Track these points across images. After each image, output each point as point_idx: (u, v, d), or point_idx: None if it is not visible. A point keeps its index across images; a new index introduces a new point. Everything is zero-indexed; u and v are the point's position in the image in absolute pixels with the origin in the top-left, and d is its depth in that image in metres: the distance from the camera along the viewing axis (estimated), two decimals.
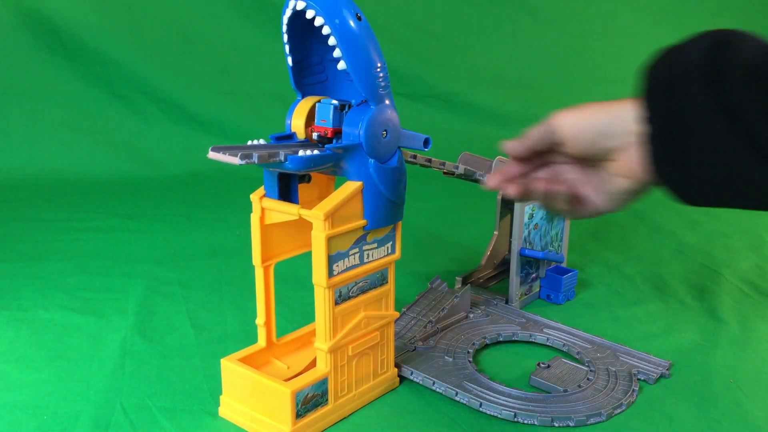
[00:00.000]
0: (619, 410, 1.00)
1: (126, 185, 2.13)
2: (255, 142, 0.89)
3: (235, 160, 0.80)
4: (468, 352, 1.13)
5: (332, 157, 0.88)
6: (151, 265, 1.52)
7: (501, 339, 1.20)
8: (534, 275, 1.37)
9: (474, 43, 2.54)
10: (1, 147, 2.19)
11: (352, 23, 0.84)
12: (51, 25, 2.20)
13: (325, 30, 0.83)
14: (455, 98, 2.48)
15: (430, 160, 1.16)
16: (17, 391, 1.04)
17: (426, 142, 0.94)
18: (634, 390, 1.04)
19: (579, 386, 1.05)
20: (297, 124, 0.94)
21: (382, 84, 0.89)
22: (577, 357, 1.15)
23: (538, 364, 1.11)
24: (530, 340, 1.21)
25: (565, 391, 1.04)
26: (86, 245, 1.64)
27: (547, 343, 1.20)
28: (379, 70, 0.88)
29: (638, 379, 1.08)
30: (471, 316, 1.25)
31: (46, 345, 1.17)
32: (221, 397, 1.00)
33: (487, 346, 1.19)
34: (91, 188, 2.09)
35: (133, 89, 2.28)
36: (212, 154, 0.83)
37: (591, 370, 1.09)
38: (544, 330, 1.22)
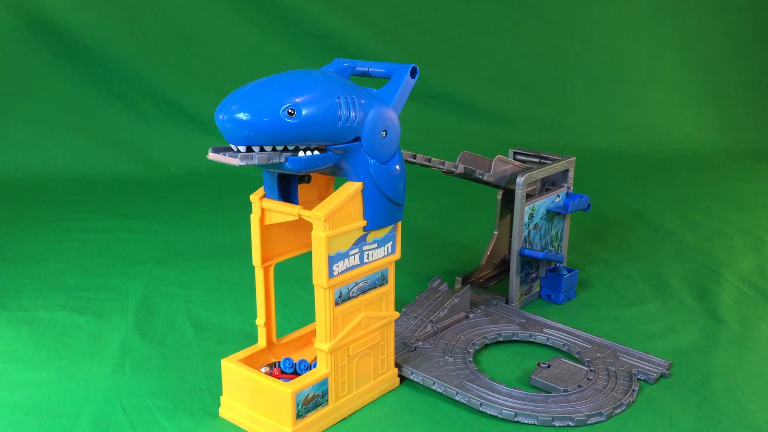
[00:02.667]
0: (619, 410, 1.00)
1: (126, 185, 2.12)
2: None
3: (235, 161, 0.80)
4: (468, 352, 1.13)
5: (332, 157, 0.87)
6: (151, 265, 1.52)
7: (501, 339, 1.21)
8: (534, 275, 1.37)
9: (474, 43, 2.54)
10: (1, 147, 2.18)
11: None
12: (51, 25, 2.20)
13: None
14: (455, 98, 2.48)
15: (429, 160, 1.16)
16: (17, 391, 1.04)
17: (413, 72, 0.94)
18: (634, 390, 1.04)
19: (579, 386, 1.05)
20: None
21: None
22: (577, 357, 1.15)
23: (539, 364, 1.11)
24: (530, 340, 1.21)
25: (566, 390, 1.04)
26: (86, 245, 1.63)
27: (547, 343, 1.20)
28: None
29: (638, 379, 1.08)
30: (471, 316, 1.25)
31: (46, 345, 1.17)
32: (221, 398, 1.00)
33: (487, 346, 1.19)
34: (91, 188, 2.09)
35: (133, 89, 2.28)
36: (212, 155, 0.83)
37: (591, 370, 1.09)
38: (544, 330, 1.22)
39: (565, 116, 2.57)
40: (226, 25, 2.34)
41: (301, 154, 0.84)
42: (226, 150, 0.83)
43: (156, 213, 1.88)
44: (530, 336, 1.21)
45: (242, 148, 0.82)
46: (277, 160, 0.82)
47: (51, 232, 1.72)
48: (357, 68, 0.98)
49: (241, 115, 0.79)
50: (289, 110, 0.80)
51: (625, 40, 2.68)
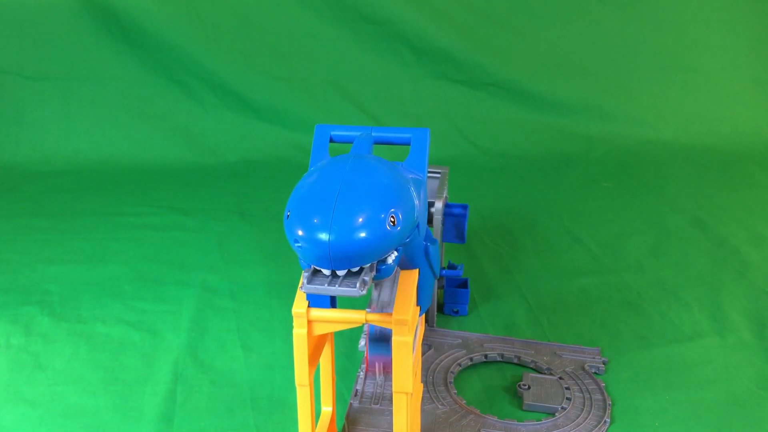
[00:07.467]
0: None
1: (182, 173, 2.15)
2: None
3: (355, 292, 0.69)
4: (453, 394, 1.11)
5: (399, 251, 0.77)
6: (205, 272, 1.54)
7: (461, 368, 1.19)
8: None
9: (537, 29, 2.44)
10: (63, 132, 2.23)
11: None
12: (111, 11, 2.21)
13: None
14: (515, 86, 2.40)
15: None
16: (75, 419, 1.08)
17: None
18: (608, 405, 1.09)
19: (567, 399, 1.08)
20: None
21: None
22: (533, 366, 1.18)
23: (519, 386, 1.11)
24: (485, 360, 1.21)
25: (563, 408, 1.06)
26: (143, 245, 1.67)
27: (502, 360, 1.21)
28: None
29: (593, 373, 1.16)
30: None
31: (103, 365, 1.22)
32: None
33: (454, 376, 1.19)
34: (149, 176, 2.12)
35: (190, 75, 2.28)
36: (308, 288, 0.71)
37: (560, 378, 1.13)
38: (485, 345, 1.23)
39: (629, 106, 2.47)
40: (282, 10, 2.30)
41: (389, 260, 0.74)
42: (320, 277, 0.71)
43: (210, 208, 1.90)
44: (485, 357, 1.21)
45: (341, 272, 0.71)
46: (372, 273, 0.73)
47: (109, 229, 1.76)
48: (373, 134, 0.90)
49: (355, 235, 0.68)
50: (391, 218, 0.70)
51: (698, 25, 2.54)
